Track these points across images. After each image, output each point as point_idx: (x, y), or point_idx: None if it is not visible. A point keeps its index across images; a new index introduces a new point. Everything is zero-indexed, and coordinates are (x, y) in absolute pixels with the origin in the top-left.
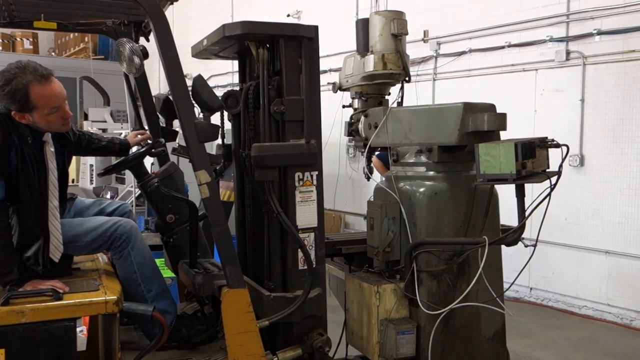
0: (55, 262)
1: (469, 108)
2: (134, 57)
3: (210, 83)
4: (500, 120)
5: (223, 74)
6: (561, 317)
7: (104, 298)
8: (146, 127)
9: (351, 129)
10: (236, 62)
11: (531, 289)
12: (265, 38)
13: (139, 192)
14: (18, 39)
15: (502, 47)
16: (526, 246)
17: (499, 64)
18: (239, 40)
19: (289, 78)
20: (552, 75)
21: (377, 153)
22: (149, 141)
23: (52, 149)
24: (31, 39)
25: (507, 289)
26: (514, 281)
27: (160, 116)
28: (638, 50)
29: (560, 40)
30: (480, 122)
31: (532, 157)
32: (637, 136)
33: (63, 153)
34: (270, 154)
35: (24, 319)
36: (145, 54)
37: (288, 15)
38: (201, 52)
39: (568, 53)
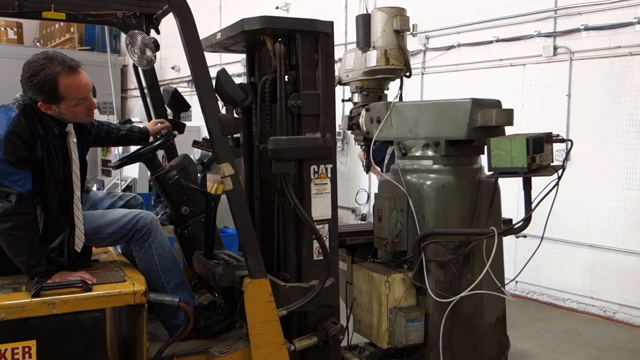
0: (78, 253)
1: (477, 104)
2: (146, 49)
3: None
4: (508, 116)
5: (212, 66)
6: (546, 310)
7: (132, 289)
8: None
9: (351, 123)
10: (224, 55)
11: (516, 282)
12: (282, 33)
13: (125, 184)
14: (2, 29)
15: (490, 42)
16: (517, 237)
17: (487, 58)
18: (254, 35)
19: (306, 73)
20: (539, 71)
21: (363, 147)
22: (167, 130)
23: (75, 140)
24: (15, 29)
25: (512, 280)
26: (518, 273)
27: (168, 109)
28: (624, 46)
29: (547, 35)
30: (489, 118)
31: (541, 152)
32: (623, 131)
33: (82, 144)
34: (288, 147)
35: (54, 310)
36: (157, 46)
37: (277, 8)
38: (213, 45)
39: (555, 48)
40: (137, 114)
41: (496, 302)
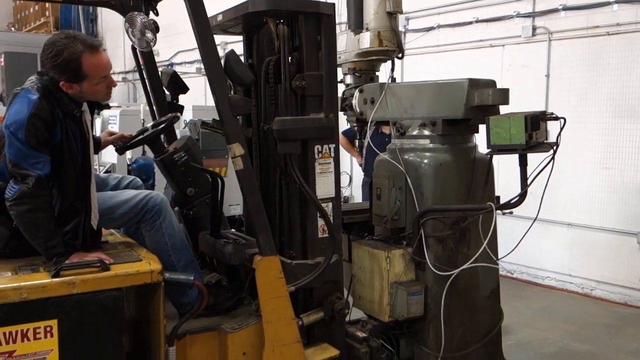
0: (95, 231)
1: (474, 83)
2: (146, 31)
3: (177, 59)
4: (504, 95)
5: (190, 50)
6: (525, 288)
7: (149, 268)
8: (153, 103)
9: (344, 104)
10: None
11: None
12: (285, 15)
13: (104, 169)
14: None
15: (470, 23)
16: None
17: (466, 39)
18: (255, 17)
19: (309, 54)
20: (518, 51)
21: (342, 130)
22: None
23: (90, 118)
24: None
25: (505, 256)
26: (510, 251)
27: (166, 91)
28: (602, 26)
29: (526, 15)
30: (486, 97)
31: (537, 129)
32: (600, 111)
33: (93, 124)
34: (293, 128)
35: (74, 290)
36: (157, 28)
37: None
38: (212, 27)
39: (534, 29)
40: (117, 99)
41: (491, 275)
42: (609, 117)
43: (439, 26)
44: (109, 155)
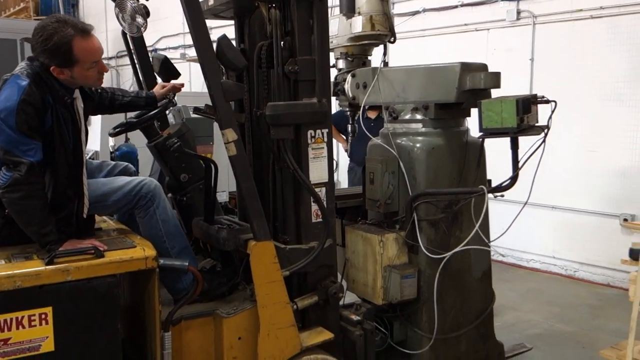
0: (87, 218)
1: (466, 67)
2: (137, 16)
3: (160, 45)
4: (496, 79)
5: (174, 35)
6: (510, 271)
7: (144, 254)
8: (145, 88)
9: (337, 89)
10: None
11: None
12: None
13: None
14: None
15: (455, 7)
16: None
17: (452, 23)
18: (247, 1)
19: (301, 38)
20: (503, 35)
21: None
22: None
23: (82, 105)
24: None
25: (497, 239)
26: (501, 234)
27: (158, 77)
28: (585, 10)
29: None
30: (478, 81)
31: (528, 112)
32: (584, 94)
33: (86, 111)
34: (286, 113)
35: (69, 277)
36: (147, 13)
37: None
38: (204, 11)
39: (519, 12)
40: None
41: (482, 257)
42: (593, 101)
43: (424, 10)
44: (92, 142)
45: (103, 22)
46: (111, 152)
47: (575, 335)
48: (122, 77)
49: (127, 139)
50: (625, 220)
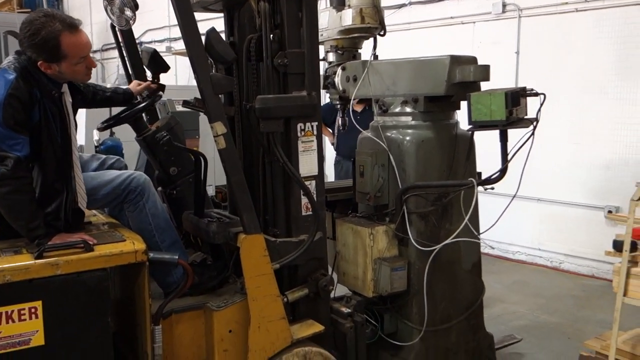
0: (77, 212)
1: (456, 60)
2: (125, 9)
3: (146, 38)
4: (485, 71)
5: (159, 28)
6: (496, 263)
7: (133, 248)
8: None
9: (327, 82)
10: (173, 17)
11: None
12: None
13: None
14: None
15: (441, 0)
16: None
17: (438, 16)
18: None
19: (291, 31)
20: (489, 28)
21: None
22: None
23: (70, 99)
24: None
25: (486, 231)
26: (491, 227)
27: (147, 70)
28: (571, 3)
29: None
30: (467, 74)
31: (517, 105)
32: (569, 87)
33: (75, 105)
34: (275, 106)
35: (58, 271)
36: (136, 5)
37: None
38: (193, 4)
39: (504, 5)
40: None
41: (472, 249)
42: (578, 94)
43: (410, 3)
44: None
45: (88, 15)
46: (96, 147)
47: (560, 326)
48: (107, 70)
49: (112, 133)
50: (610, 212)
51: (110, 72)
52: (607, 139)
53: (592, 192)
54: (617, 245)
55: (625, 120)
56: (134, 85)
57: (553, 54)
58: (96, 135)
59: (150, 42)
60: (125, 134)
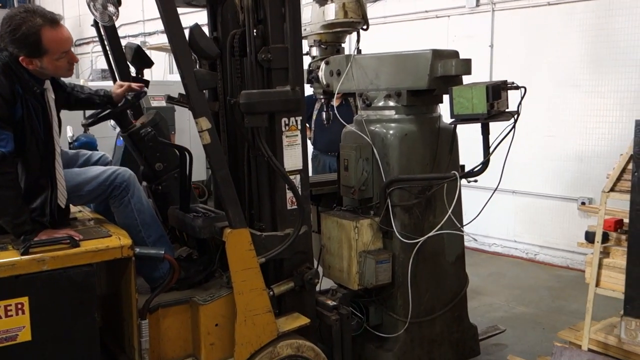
0: (62, 208)
1: (437, 54)
2: (108, 5)
3: (120, 32)
4: (467, 66)
5: (133, 23)
6: (473, 255)
7: (119, 243)
8: (118, 78)
9: (310, 77)
10: (147, 11)
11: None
12: None
13: None
14: None
15: None
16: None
17: (412, 10)
18: None
19: (274, 26)
20: (463, 22)
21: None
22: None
23: (53, 96)
24: None
25: (469, 223)
26: (473, 219)
27: (131, 66)
28: None
29: None
30: (449, 68)
31: (499, 99)
32: (542, 80)
33: (57, 101)
34: (260, 101)
35: (45, 267)
36: (119, 1)
37: None
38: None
39: None
40: None
41: (456, 241)
42: (550, 86)
43: None
44: None
45: (61, 9)
46: (70, 143)
47: (535, 317)
48: (80, 65)
49: (86, 130)
50: (583, 203)
51: (84, 67)
52: (579, 131)
53: (566, 184)
54: (589, 237)
55: (597, 112)
56: (116, 88)
57: (526, 48)
58: (70, 131)
59: (124, 36)
60: (99, 130)
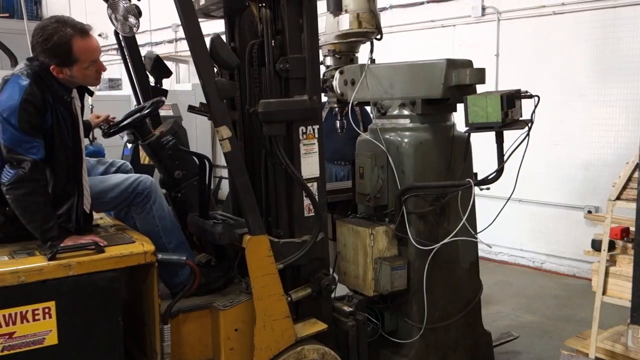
0: (87, 215)
1: (452, 64)
2: (129, 16)
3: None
4: (481, 75)
5: (140, 33)
6: (479, 264)
7: (143, 249)
8: (137, 87)
9: (325, 86)
10: (154, 21)
11: None
12: None
13: None
14: None
15: (422, 3)
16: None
17: (418, 20)
18: (240, 0)
19: (292, 37)
20: (469, 31)
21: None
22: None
23: (79, 104)
24: None
25: (484, 230)
26: (487, 227)
27: (150, 75)
28: (548, 6)
29: None
30: (463, 77)
31: (512, 107)
32: (547, 89)
33: (82, 109)
34: (278, 110)
35: (71, 272)
36: (139, 12)
37: None
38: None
39: (484, 9)
40: None
41: (470, 248)
42: (556, 95)
43: (391, 7)
44: None
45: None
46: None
47: (542, 326)
48: None
49: (93, 139)
50: (589, 212)
51: None
52: (585, 140)
53: (572, 193)
54: (596, 245)
55: (603, 121)
56: (92, 117)
57: (531, 56)
58: None
59: None
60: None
